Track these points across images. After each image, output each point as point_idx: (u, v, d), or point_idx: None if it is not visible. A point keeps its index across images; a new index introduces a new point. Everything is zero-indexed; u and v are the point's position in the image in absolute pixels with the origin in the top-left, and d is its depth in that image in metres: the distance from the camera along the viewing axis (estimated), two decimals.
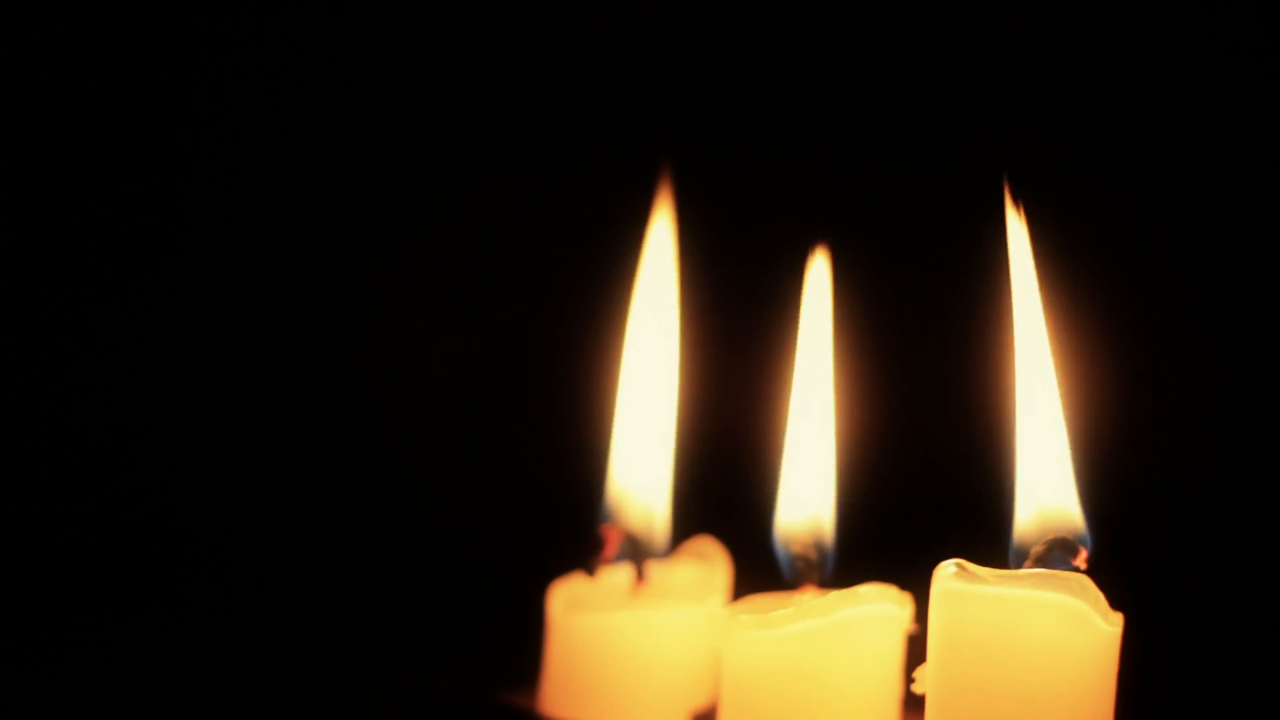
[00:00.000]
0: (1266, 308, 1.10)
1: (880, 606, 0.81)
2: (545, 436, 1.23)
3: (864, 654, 0.81)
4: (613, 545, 0.90)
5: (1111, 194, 1.11)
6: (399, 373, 1.28)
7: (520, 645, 0.94)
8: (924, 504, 1.14)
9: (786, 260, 0.90)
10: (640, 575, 0.90)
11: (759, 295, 1.12)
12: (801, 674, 0.80)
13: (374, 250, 1.27)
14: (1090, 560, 0.77)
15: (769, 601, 0.84)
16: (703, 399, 1.06)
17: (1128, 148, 1.12)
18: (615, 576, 0.91)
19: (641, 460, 0.93)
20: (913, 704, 0.80)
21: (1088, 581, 0.76)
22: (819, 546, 0.86)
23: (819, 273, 0.88)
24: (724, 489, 1.06)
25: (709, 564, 0.91)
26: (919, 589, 0.79)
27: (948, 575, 0.76)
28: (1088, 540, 0.78)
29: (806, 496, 0.87)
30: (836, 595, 0.81)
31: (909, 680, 0.78)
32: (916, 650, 0.79)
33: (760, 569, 0.88)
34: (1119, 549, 0.82)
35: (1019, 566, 0.78)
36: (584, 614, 0.88)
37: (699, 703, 0.86)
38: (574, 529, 0.95)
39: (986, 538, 0.81)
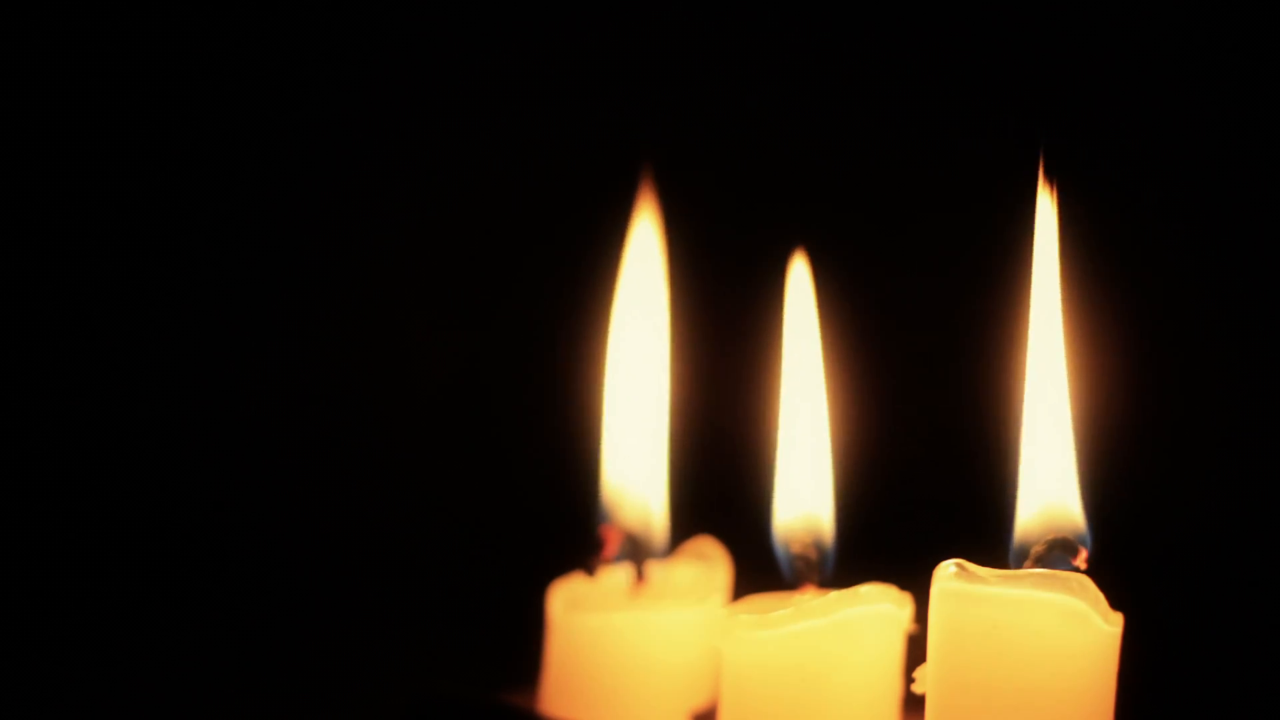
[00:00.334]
0: (1267, 308, 1.10)
1: (880, 606, 0.81)
2: (545, 436, 1.23)
3: (864, 654, 0.81)
4: (613, 545, 0.90)
5: (1111, 194, 1.11)
6: (399, 373, 1.28)
7: (520, 645, 0.94)
8: (924, 504, 1.14)
9: (785, 257, 0.90)
10: (640, 575, 0.90)
11: (756, 291, 1.12)
12: (801, 674, 0.80)
13: (374, 250, 1.27)
14: (1090, 560, 0.77)
15: (769, 601, 0.84)
16: (703, 398, 1.06)
17: (1128, 148, 1.12)
18: (615, 577, 0.91)
19: (641, 460, 0.93)
20: (913, 704, 0.80)
21: (1088, 581, 0.76)
22: (819, 546, 0.86)
23: (800, 271, 0.88)
24: (724, 489, 1.06)
25: (709, 564, 0.91)
26: (919, 589, 0.79)
27: (948, 575, 0.76)
28: (1088, 540, 0.78)
29: (805, 496, 0.86)
30: (836, 595, 0.81)
31: (909, 680, 0.78)
32: (916, 650, 0.79)
33: (760, 569, 0.88)
34: (1119, 549, 0.82)
35: (1019, 566, 0.78)
36: (584, 614, 0.88)
37: (699, 703, 0.86)
38: (574, 529, 0.95)
39: (987, 538, 0.81)
